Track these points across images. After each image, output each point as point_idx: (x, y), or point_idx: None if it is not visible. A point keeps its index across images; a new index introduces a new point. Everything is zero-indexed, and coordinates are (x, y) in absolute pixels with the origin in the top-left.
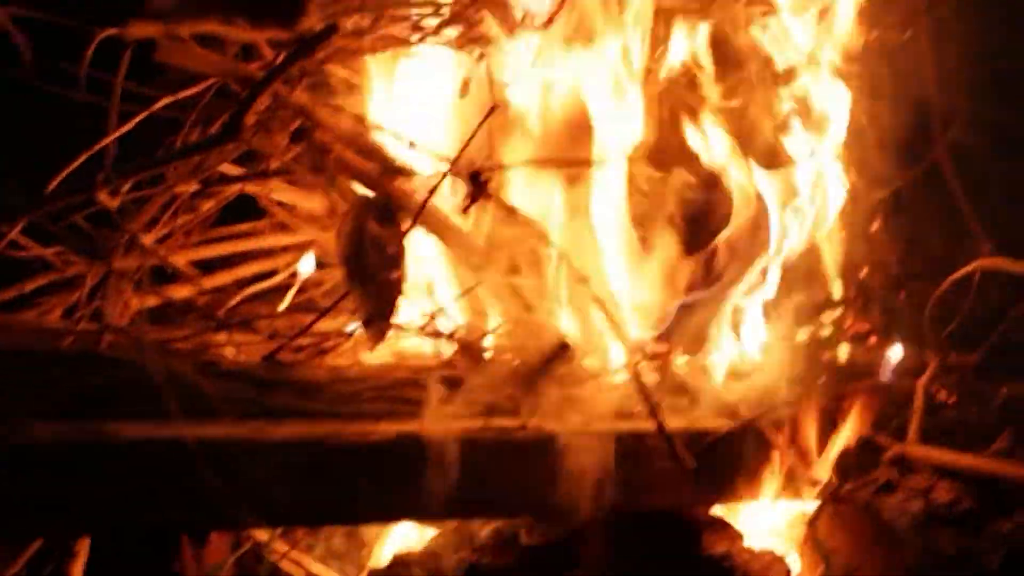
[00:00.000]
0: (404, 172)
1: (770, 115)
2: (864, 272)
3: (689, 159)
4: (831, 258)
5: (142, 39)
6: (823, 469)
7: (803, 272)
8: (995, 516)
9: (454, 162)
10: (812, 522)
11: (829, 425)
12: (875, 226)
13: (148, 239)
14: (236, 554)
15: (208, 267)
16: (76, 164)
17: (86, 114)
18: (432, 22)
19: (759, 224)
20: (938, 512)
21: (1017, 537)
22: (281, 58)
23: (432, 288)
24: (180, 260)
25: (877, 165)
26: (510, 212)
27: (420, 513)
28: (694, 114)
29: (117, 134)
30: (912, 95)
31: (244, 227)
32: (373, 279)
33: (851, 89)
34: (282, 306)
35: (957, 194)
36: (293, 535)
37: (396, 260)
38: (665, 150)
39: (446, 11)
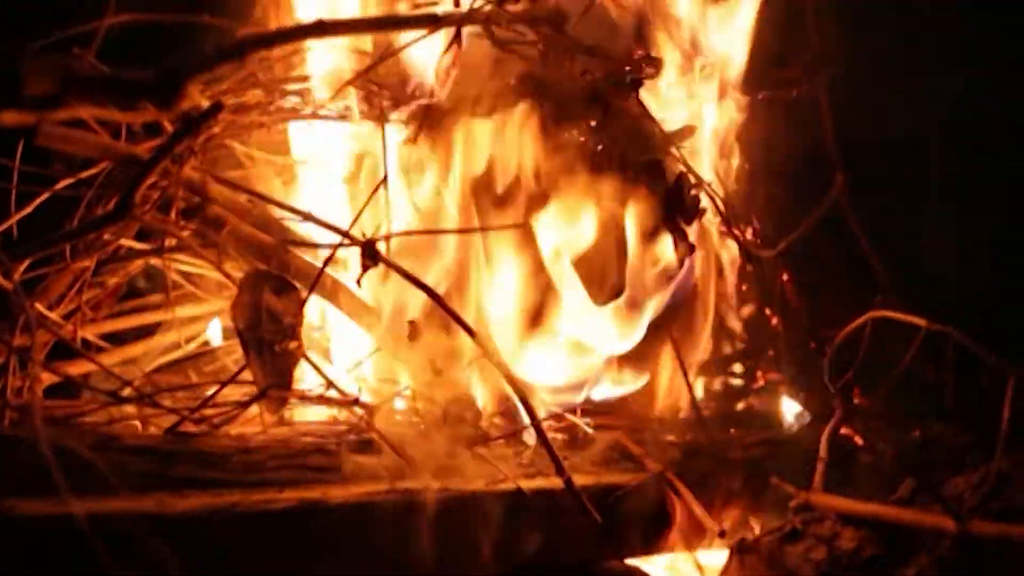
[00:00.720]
0: (300, 243)
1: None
2: (774, 322)
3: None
4: (737, 310)
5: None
6: (731, 520)
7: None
8: (898, 562)
9: (346, 233)
10: (723, 572)
11: (738, 476)
12: (783, 276)
13: (54, 315)
14: None
15: (120, 340)
16: None
17: None
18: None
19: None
20: (841, 560)
21: None
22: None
23: (333, 355)
24: (87, 334)
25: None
26: (405, 278)
27: None
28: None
29: (17, 218)
30: (809, 146)
31: (154, 299)
32: (270, 349)
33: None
34: (185, 375)
35: (861, 241)
36: None
37: (293, 330)
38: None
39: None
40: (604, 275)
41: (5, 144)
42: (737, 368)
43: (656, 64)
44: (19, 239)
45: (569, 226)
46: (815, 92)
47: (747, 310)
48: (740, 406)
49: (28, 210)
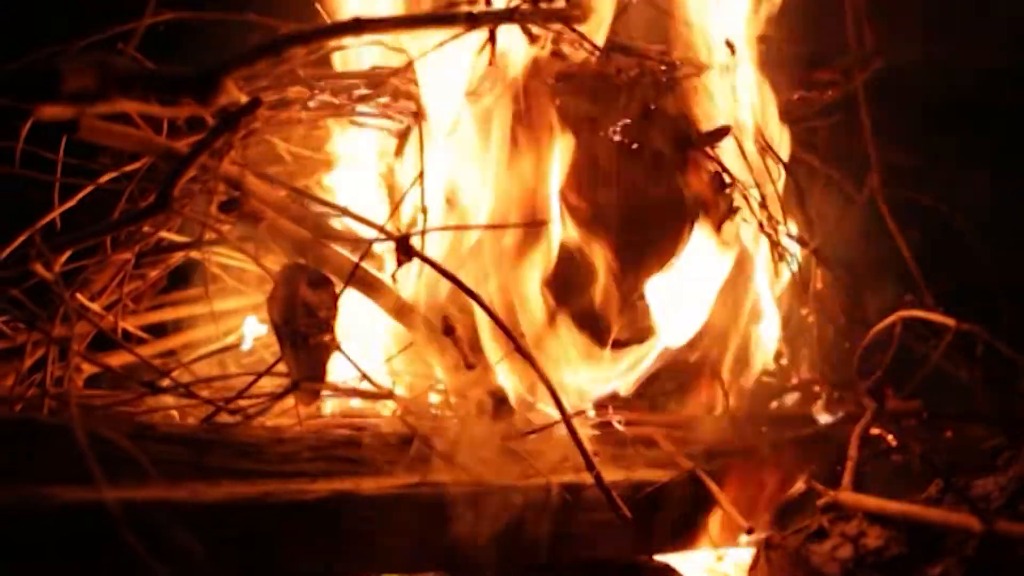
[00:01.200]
0: (336, 238)
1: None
2: (808, 322)
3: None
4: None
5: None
6: (760, 517)
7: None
8: (924, 561)
9: (381, 228)
10: (750, 569)
11: (769, 474)
12: (819, 277)
13: (95, 306)
14: None
15: (160, 332)
16: (22, 239)
17: (34, 188)
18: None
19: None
20: (867, 558)
21: None
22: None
23: (370, 348)
24: (127, 325)
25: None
26: (440, 273)
27: (357, 569)
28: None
29: (60, 210)
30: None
31: (193, 292)
32: (305, 342)
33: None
34: (223, 367)
35: (898, 240)
36: None
37: (328, 323)
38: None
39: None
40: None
41: (50, 138)
42: (771, 367)
43: (693, 65)
44: (61, 231)
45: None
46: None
47: (782, 309)
48: (773, 405)
49: (71, 203)
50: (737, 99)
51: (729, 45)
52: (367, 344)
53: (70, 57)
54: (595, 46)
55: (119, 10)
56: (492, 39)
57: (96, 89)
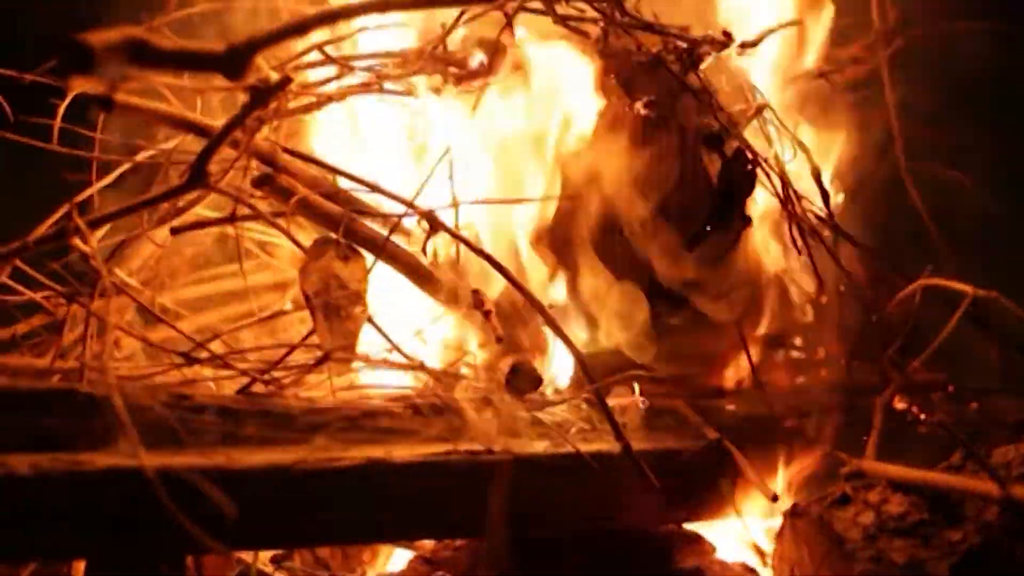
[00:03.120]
0: (366, 212)
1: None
2: (834, 296)
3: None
4: (800, 284)
5: (91, 95)
6: (786, 486)
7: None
8: (945, 527)
9: (410, 203)
10: (777, 536)
11: (793, 443)
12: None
13: (132, 281)
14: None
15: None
16: (59, 214)
17: (68, 163)
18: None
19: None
20: (889, 524)
21: (965, 546)
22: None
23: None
24: (164, 301)
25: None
26: (469, 248)
27: (389, 535)
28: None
29: (98, 186)
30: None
31: (229, 268)
32: (337, 314)
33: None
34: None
35: (924, 217)
36: (283, 556)
37: (359, 296)
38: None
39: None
40: None
41: (86, 115)
42: (798, 341)
43: (718, 41)
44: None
45: None
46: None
47: (808, 284)
48: (800, 379)
49: (108, 180)
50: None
51: (725, 34)
52: (398, 317)
53: (99, 30)
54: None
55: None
56: (510, 22)
57: (127, 63)
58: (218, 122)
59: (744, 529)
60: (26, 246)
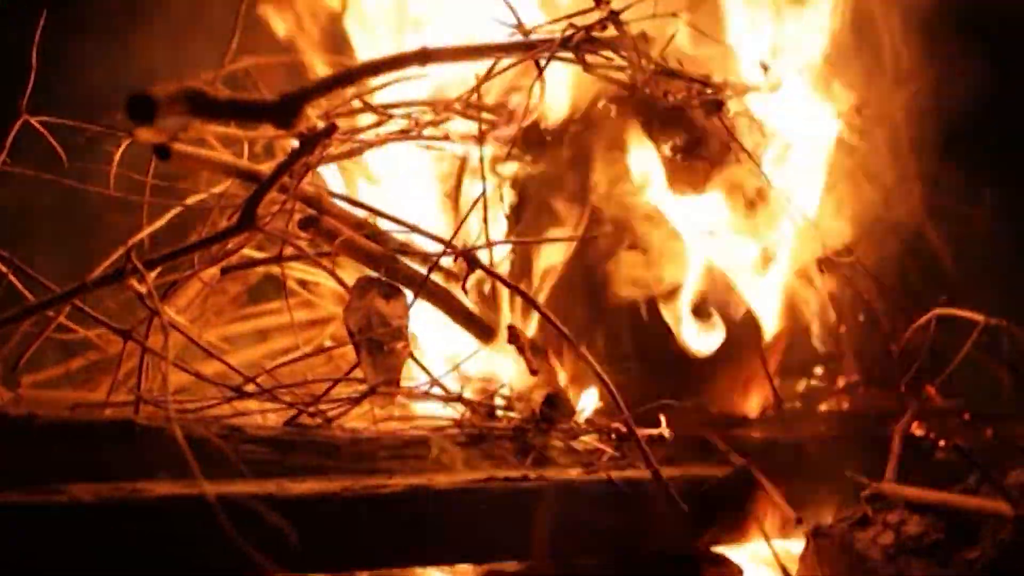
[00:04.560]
0: (406, 252)
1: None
2: (852, 326)
3: None
4: (818, 314)
5: (155, 145)
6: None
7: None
8: (961, 546)
9: (448, 243)
10: (801, 557)
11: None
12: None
13: (183, 317)
14: None
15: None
16: (116, 256)
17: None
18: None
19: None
20: (908, 543)
21: (981, 564)
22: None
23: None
24: (211, 336)
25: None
26: (503, 284)
27: (431, 559)
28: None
29: (150, 229)
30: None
31: (272, 305)
32: (380, 349)
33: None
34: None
35: (937, 245)
36: None
37: (401, 331)
38: None
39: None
40: None
41: (141, 161)
42: (818, 370)
43: (737, 87)
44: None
45: None
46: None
47: (828, 315)
48: (821, 407)
49: (161, 222)
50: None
51: (763, 67)
52: (438, 351)
53: (161, 83)
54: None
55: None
56: (540, 74)
57: (187, 114)
58: (265, 167)
59: (769, 550)
60: (85, 286)
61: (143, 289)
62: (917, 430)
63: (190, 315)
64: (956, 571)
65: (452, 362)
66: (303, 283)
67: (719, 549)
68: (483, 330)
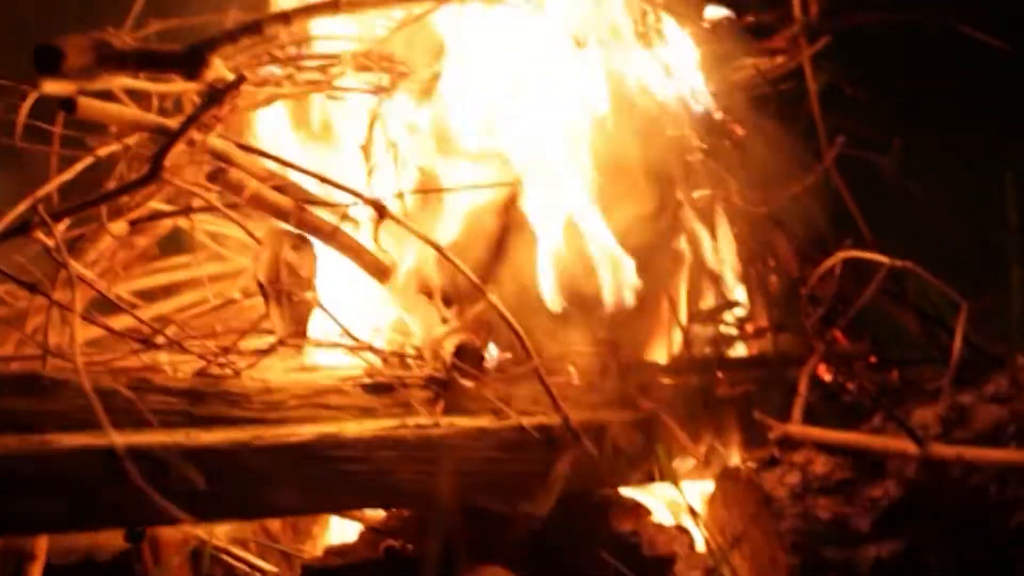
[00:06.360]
0: (315, 203)
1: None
2: (761, 273)
3: None
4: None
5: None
6: (718, 451)
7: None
8: (867, 484)
9: (357, 192)
10: (710, 498)
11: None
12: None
13: (92, 272)
14: (187, 551)
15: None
16: (21, 208)
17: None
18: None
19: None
20: (814, 483)
21: (887, 502)
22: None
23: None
24: (120, 292)
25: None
26: (413, 234)
27: (342, 506)
28: None
29: (58, 181)
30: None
31: (181, 259)
32: (289, 300)
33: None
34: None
35: (845, 197)
36: (238, 534)
37: (309, 282)
38: None
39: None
40: None
41: (48, 112)
42: (728, 316)
43: None
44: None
45: None
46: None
47: (738, 262)
48: (730, 352)
49: (69, 175)
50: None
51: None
52: (347, 301)
53: (68, 35)
54: None
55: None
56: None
57: (95, 66)
58: (174, 122)
59: (678, 493)
60: None
61: (50, 242)
62: (824, 375)
63: (99, 270)
64: (862, 508)
65: (361, 313)
66: (213, 236)
67: (628, 492)
68: (393, 280)
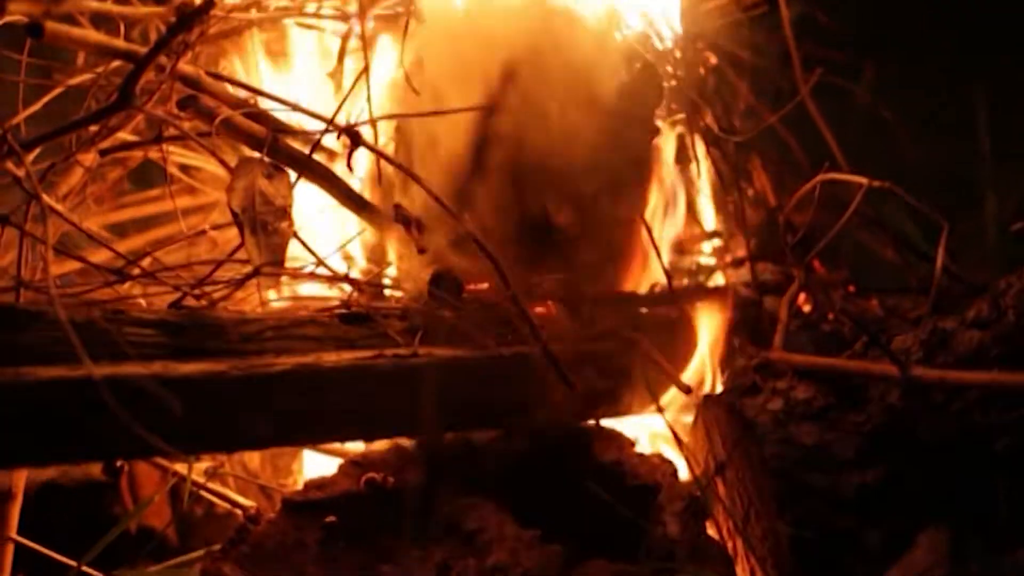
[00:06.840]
0: (289, 131)
1: None
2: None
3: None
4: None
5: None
6: (698, 380)
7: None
8: (849, 410)
9: (331, 120)
10: (692, 426)
11: (705, 340)
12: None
13: (63, 206)
14: (166, 487)
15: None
16: None
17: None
18: None
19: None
20: (796, 409)
21: (869, 427)
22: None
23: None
24: (93, 224)
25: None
26: (388, 162)
27: (320, 436)
28: None
29: (27, 112)
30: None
31: (153, 192)
32: (264, 229)
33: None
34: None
35: (822, 127)
36: (216, 467)
37: (284, 211)
38: None
39: None
40: None
41: (14, 39)
42: (706, 246)
43: None
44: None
45: None
46: None
47: (717, 192)
48: (710, 282)
49: (37, 106)
50: None
51: None
52: (323, 231)
53: None
54: None
55: None
56: None
57: None
58: (143, 49)
59: (662, 422)
60: None
61: (20, 172)
62: (805, 305)
63: (71, 203)
64: (844, 434)
65: (338, 243)
66: (185, 168)
67: (611, 422)
68: (368, 209)
